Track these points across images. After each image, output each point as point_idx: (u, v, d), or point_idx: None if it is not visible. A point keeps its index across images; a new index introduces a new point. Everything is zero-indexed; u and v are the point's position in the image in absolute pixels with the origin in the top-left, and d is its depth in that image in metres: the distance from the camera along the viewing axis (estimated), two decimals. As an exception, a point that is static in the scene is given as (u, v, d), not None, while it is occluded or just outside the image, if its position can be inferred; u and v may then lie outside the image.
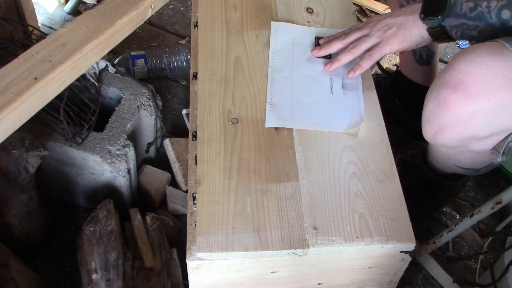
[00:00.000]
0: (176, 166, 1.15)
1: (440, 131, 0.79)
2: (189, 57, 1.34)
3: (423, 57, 1.22)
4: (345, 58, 0.90)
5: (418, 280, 1.07)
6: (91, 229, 0.91)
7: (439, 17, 0.81)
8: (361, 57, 0.90)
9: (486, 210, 0.89)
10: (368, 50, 0.89)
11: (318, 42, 0.96)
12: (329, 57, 0.95)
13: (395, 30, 0.86)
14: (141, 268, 0.91)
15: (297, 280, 0.81)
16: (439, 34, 0.84)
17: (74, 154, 0.96)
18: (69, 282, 0.98)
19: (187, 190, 0.89)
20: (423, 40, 0.86)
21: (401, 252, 0.76)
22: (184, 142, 1.19)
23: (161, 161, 1.20)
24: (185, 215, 0.99)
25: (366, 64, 0.89)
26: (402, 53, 1.28)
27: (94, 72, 1.08)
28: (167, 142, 1.18)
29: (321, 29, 1.01)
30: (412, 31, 0.85)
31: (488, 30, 0.77)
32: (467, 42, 1.14)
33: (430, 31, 0.84)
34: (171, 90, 1.37)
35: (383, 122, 0.88)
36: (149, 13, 0.96)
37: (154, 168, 1.14)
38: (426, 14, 0.83)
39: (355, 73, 0.90)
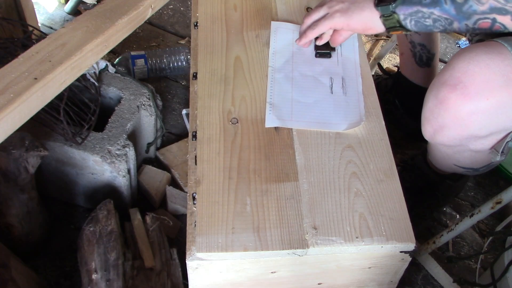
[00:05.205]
0: (173, 172, 1.15)
1: (439, 130, 0.79)
2: (189, 57, 1.34)
3: (423, 59, 1.22)
4: (311, 35, 0.92)
5: (418, 280, 1.07)
6: (91, 229, 0.91)
7: (393, 4, 0.78)
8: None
9: (486, 210, 0.89)
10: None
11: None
12: (329, 56, 0.95)
13: (346, 6, 0.85)
14: (141, 268, 0.91)
15: (297, 280, 0.81)
16: (392, 23, 0.81)
17: (74, 154, 0.97)
18: (69, 282, 0.98)
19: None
20: (374, 26, 0.83)
21: (401, 252, 0.76)
22: (174, 147, 1.19)
23: (161, 161, 1.20)
24: (185, 215, 0.99)
25: (311, 34, 0.91)
26: (402, 55, 1.28)
27: (94, 72, 1.08)
28: (158, 155, 1.19)
29: (321, 29, 1.01)
30: (363, 12, 0.83)
31: (442, 18, 0.75)
32: (467, 41, 1.14)
33: (383, 18, 0.81)
34: (171, 90, 1.37)
35: (383, 122, 0.88)
36: (149, 13, 0.96)
37: (154, 168, 1.14)
38: (380, 0, 0.81)
39: (300, 42, 0.94)
